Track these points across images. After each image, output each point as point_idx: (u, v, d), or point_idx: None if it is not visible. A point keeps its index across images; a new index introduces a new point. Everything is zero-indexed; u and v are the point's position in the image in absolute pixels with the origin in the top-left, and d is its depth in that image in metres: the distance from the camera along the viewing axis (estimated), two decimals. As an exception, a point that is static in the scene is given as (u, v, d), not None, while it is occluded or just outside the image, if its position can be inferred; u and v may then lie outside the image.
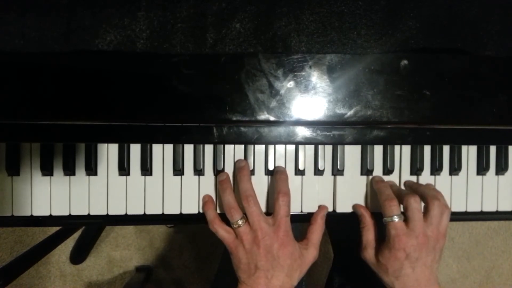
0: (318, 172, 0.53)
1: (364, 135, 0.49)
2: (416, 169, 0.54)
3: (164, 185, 0.52)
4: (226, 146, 0.52)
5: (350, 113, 0.44)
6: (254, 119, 0.43)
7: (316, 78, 0.43)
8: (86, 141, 0.49)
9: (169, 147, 0.52)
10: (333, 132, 0.49)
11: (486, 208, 0.56)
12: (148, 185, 0.52)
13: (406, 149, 0.55)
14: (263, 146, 0.53)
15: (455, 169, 0.55)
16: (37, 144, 0.50)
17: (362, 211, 0.52)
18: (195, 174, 0.52)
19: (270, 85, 0.43)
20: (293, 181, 0.53)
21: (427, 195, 0.49)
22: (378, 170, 0.54)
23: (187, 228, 1.26)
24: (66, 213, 0.51)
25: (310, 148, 0.53)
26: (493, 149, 0.56)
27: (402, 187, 0.55)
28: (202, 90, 0.42)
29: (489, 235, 1.34)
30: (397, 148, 0.54)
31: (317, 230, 0.51)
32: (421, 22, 0.44)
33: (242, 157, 0.53)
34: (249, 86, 0.43)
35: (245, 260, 0.47)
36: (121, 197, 0.52)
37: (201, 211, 0.52)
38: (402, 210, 0.50)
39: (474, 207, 0.56)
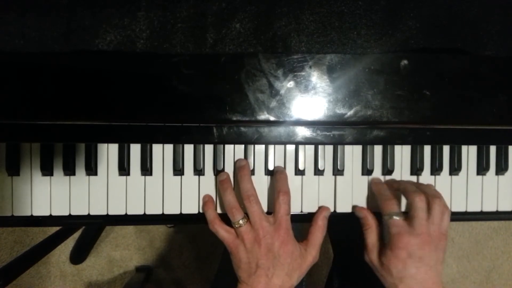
0: (318, 172, 0.53)
1: (364, 135, 0.49)
2: (416, 169, 0.54)
3: (164, 185, 0.52)
4: (226, 146, 0.52)
5: (350, 113, 0.44)
6: (254, 119, 0.43)
7: (316, 78, 0.43)
8: (86, 141, 0.49)
9: (169, 147, 0.52)
10: (333, 132, 0.49)
11: (486, 208, 0.56)
12: (148, 185, 0.52)
13: (406, 149, 0.55)
14: (263, 146, 0.53)
15: (455, 169, 0.55)
16: (37, 144, 0.50)
17: (365, 212, 0.52)
18: (195, 174, 0.52)
19: (270, 85, 0.43)
20: (293, 181, 0.53)
21: (428, 194, 0.49)
22: (378, 170, 0.54)
23: (187, 228, 1.26)
24: (66, 213, 0.51)
25: (310, 148, 0.53)
26: (493, 149, 0.56)
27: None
28: (202, 90, 0.42)
29: (489, 235, 1.34)
30: (397, 148, 0.54)
31: (317, 232, 0.51)
32: (421, 22, 0.44)
33: (242, 157, 0.53)
34: (249, 86, 0.43)
35: (246, 260, 0.47)
36: (121, 197, 0.52)
37: (201, 211, 0.52)
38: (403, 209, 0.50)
39: (474, 207, 0.56)
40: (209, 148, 0.52)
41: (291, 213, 0.53)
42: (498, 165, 0.56)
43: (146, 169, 0.51)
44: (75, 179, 0.51)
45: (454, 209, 0.56)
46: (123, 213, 0.52)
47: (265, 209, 0.53)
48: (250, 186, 0.49)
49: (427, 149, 0.55)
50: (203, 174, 0.52)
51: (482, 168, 0.56)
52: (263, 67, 0.43)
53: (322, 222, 0.51)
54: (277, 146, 0.53)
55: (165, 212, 0.52)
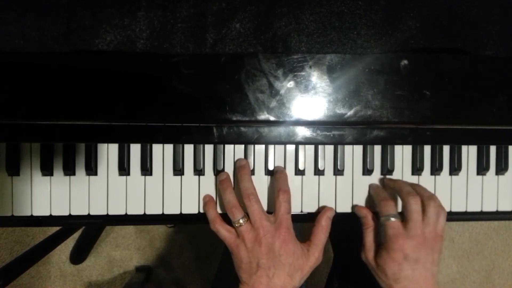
0: (318, 172, 0.53)
1: (364, 135, 0.49)
2: (416, 169, 0.54)
3: (164, 185, 0.52)
4: (226, 146, 0.52)
5: (350, 113, 0.44)
6: (254, 119, 0.43)
7: (316, 78, 0.43)
8: (86, 141, 0.49)
9: (169, 147, 0.52)
10: (333, 132, 0.49)
11: (486, 208, 0.56)
12: (148, 185, 0.52)
13: (406, 149, 0.55)
14: (263, 146, 0.53)
15: (455, 169, 0.55)
16: (37, 144, 0.50)
17: (365, 212, 0.52)
18: (195, 174, 0.52)
19: (270, 85, 0.43)
20: (293, 181, 0.53)
21: (423, 196, 0.49)
22: (378, 170, 0.54)
23: (187, 228, 1.26)
24: (66, 213, 0.51)
25: (310, 148, 0.53)
26: (493, 149, 0.56)
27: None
28: (202, 90, 0.42)
29: (489, 235, 1.34)
30: (397, 148, 0.54)
31: (320, 232, 0.50)
32: (421, 22, 0.44)
33: (242, 157, 0.53)
34: (249, 86, 0.43)
35: (247, 259, 0.47)
36: (121, 197, 0.52)
37: (201, 211, 0.52)
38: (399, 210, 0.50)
39: (474, 207, 0.56)
40: (209, 148, 0.52)
41: (292, 213, 0.53)
42: (498, 165, 0.56)
43: (146, 169, 0.51)
44: (75, 179, 0.51)
45: (454, 209, 0.56)
46: (123, 213, 0.52)
47: (265, 209, 0.53)
48: (250, 185, 0.49)
49: (427, 149, 0.55)
50: (203, 174, 0.52)
51: (482, 168, 0.56)
52: (263, 67, 0.43)
53: (326, 223, 0.50)
54: (277, 146, 0.53)
55: (165, 212, 0.52)
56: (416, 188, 0.50)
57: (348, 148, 0.54)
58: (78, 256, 1.21)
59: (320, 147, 0.53)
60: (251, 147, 0.52)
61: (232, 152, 0.53)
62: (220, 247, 1.21)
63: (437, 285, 0.47)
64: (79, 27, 0.41)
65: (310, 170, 0.53)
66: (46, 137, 0.47)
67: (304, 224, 0.54)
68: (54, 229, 1.00)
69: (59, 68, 0.42)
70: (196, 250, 1.26)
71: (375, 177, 0.55)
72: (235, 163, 0.52)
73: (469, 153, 0.56)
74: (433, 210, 0.47)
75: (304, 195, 0.54)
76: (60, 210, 0.51)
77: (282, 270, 0.46)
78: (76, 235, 1.19)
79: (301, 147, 0.53)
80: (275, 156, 0.53)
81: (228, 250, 0.50)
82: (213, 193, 0.53)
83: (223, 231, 0.48)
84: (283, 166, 0.53)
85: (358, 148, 0.54)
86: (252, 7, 0.42)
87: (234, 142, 0.50)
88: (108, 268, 1.24)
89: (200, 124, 0.47)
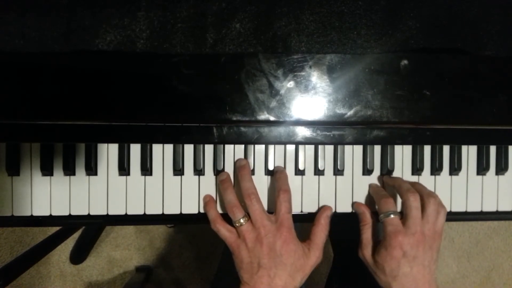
0: (318, 172, 0.53)
1: (364, 135, 0.49)
2: (416, 169, 0.54)
3: (164, 185, 0.52)
4: (226, 146, 0.52)
5: (350, 113, 0.44)
6: (254, 119, 0.43)
7: (316, 78, 0.43)
8: (86, 141, 0.49)
9: (169, 147, 0.52)
10: (333, 132, 0.49)
11: (486, 208, 0.56)
12: (148, 185, 0.52)
13: (406, 149, 0.55)
14: (263, 146, 0.53)
15: (455, 169, 0.55)
16: (37, 144, 0.50)
17: (363, 209, 0.52)
18: (195, 174, 0.52)
19: (270, 85, 0.43)
20: (293, 181, 0.53)
21: (422, 193, 0.49)
22: (378, 170, 0.54)
23: (187, 228, 1.26)
24: (66, 213, 0.51)
25: (310, 148, 0.53)
26: (493, 149, 0.56)
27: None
28: (202, 90, 0.42)
29: (489, 235, 1.34)
30: (397, 148, 0.54)
31: (319, 231, 0.50)
32: (421, 22, 0.44)
33: (242, 157, 0.53)
34: (249, 86, 0.43)
35: (248, 259, 0.47)
36: (121, 197, 0.52)
37: (201, 211, 0.52)
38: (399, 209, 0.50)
39: (474, 207, 0.56)
40: (209, 148, 0.52)
41: (292, 213, 0.53)
42: (498, 165, 0.56)
43: (146, 169, 0.51)
44: (75, 179, 0.51)
45: (454, 209, 0.56)
46: (123, 213, 0.52)
47: (266, 209, 0.53)
48: (251, 185, 0.49)
49: (427, 149, 0.55)
50: (203, 174, 0.52)
51: (482, 168, 0.56)
52: (263, 67, 0.43)
53: (325, 222, 0.51)
54: (277, 146, 0.53)
55: (165, 212, 0.52)
56: (416, 186, 0.50)
57: (348, 148, 0.54)
58: (78, 256, 1.21)
59: (320, 147, 0.53)
60: (251, 147, 0.52)
61: (232, 152, 0.53)
62: (220, 247, 1.21)
63: (435, 283, 0.47)
64: (79, 27, 0.41)
65: (310, 170, 0.53)
66: (46, 137, 0.47)
67: (304, 224, 0.54)
68: (54, 229, 1.00)
69: (59, 68, 0.42)
70: (196, 250, 1.26)
71: (375, 177, 0.55)
72: (235, 163, 0.52)
73: (469, 153, 0.56)
74: (432, 208, 0.47)
75: (304, 195, 0.54)
76: (60, 210, 0.51)
77: (284, 270, 0.46)
78: (76, 235, 1.19)
79: (301, 147, 0.53)
80: (275, 156, 0.53)
81: (228, 250, 0.50)
82: (213, 193, 0.53)
83: (224, 231, 0.48)
84: (283, 166, 0.53)
85: (358, 148, 0.54)
86: (252, 7, 0.42)
87: (234, 142, 0.50)
88: (108, 268, 1.24)
89: (200, 124, 0.47)
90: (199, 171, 0.52)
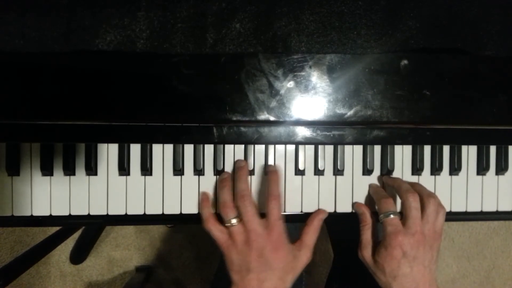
0: (318, 172, 0.53)
1: (364, 135, 0.49)
2: (416, 169, 0.54)
3: (164, 185, 0.52)
4: (226, 146, 0.52)
5: (350, 113, 0.44)
6: (254, 119, 0.43)
7: (316, 78, 0.43)
8: (86, 141, 0.49)
9: (169, 147, 0.52)
10: (333, 132, 0.49)
11: (486, 208, 0.56)
12: (148, 185, 0.52)
13: (406, 149, 0.55)
14: (263, 146, 0.53)
15: (455, 169, 0.55)
16: (37, 144, 0.50)
17: (363, 209, 0.52)
18: (195, 174, 0.52)
19: (270, 85, 0.43)
20: (293, 181, 0.53)
21: (422, 193, 0.49)
22: (378, 170, 0.54)
23: (187, 228, 1.26)
24: (66, 213, 0.51)
25: (310, 148, 0.53)
26: (493, 149, 0.56)
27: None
28: (202, 90, 0.42)
29: (489, 235, 1.34)
30: (397, 148, 0.54)
31: (311, 232, 0.51)
32: (421, 22, 0.44)
33: (242, 157, 0.53)
34: (249, 86, 0.43)
35: (237, 261, 0.47)
36: (121, 197, 0.52)
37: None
38: (398, 209, 0.50)
39: (474, 207, 0.56)
40: (209, 148, 0.52)
41: (292, 213, 0.53)
42: (498, 165, 0.56)
43: (146, 169, 0.51)
44: (75, 179, 0.51)
45: (454, 209, 0.56)
46: (123, 213, 0.52)
47: (264, 210, 0.53)
48: (245, 187, 0.49)
49: (427, 149, 0.55)
50: (203, 174, 0.52)
51: (482, 168, 0.56)
52: (263, 67, 0.43)
53: (318, 224, 0.51)
54: (277, 146, 0.53)
55: (165, 212, 0.52)
56: (416, 187, 0.50)
57: (348, 148, 0.54)
58: (78, 256, 1.21)
59: (320, 147, 0.53)
60: (251, 147, 0.52)
61: (232, 152, 0.53)
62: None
63: (435, 283, 0.47)
64: (79, 27, 0.41)
65: (310, 170, 0.53)
66: (46, 137, 0.47)
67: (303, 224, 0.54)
68: (54, 229, 1.00)
69: (59, 68, 0.42)
70: (196, 250, 1.26)
71: (375, 177, 0.55)
72: (234, 163, 0.52)
73: (469, 153, 0.56)
74: (432, 208, 0.47)
75: (304, 195, 0.54)
76: (60, 210, 0.51)
77: (273, 274, 0.46)
78: (76, 235, 1.19)
79: (301, 147, 0.53)
80: (275, 156, 0.53)
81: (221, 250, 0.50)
82: (213, 193, 0.53)
83: (216, 230, 0.48)
84: (283, 166, 0.53)
85: (358, 148, 0.54)
86: (252, 7, 0.42)
87: (234, 142, 0.50)
88: (108, 268, 1.24)
89: (200, 124, 0.47)
90: (199, 171, 0.52)
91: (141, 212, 0.52)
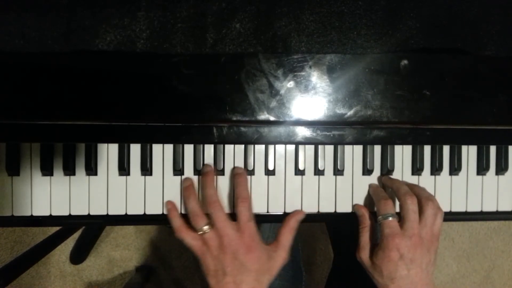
0: (318, 172, 0.53)
1: (364, 135, 0.49)
2: (416, 169, 0.54)
3: (164, 185, 0.52)
4: (226, 146, 0.52)
5: (350, 113, 0.44)
6: (254, 119, 0.43)
7: (316, 78, 0.43)
8: (86, 141, 0.49)
9: (169, 147, 0.52)
10: (333, 132, 0.49)
11: (486, 208, 0.56)
12: (148, 185, 0.52)
13: (406, 149, 0.55)
14: (263, 146, 0.53)
15: (455, 169, 0.55)
16: (37, 144, 0.50)
17: (363, 211, 0.52)
18: (195, 174, 0.52)
19: (270, 85, 0.43)
20: (293, 181, 0.53)
21: (421, 196, 0.49)
22: (378, 170, 0.54)
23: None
24: (66, 213, 0.51)
25: (310, 148, 0.53)
26: (493, 149, 0.56)
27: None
28: (202, 90, 0.42)
29: (489, 235, 1.34)
30: (397, 148, 0.54)
31: (287, 233, 0.51)
32: (421, 22, 0.44)
33: (242, 157, 0.53)
34: (249, 86, 0.43)
35: (213, 267, 0.47)
36: (121, 197, 0.52)
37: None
38: (397, 210, 0.50)
39: (474, 207, 0.56)
40: (209, 148, 0.52)
41: (291, 212, 0.53)
42: (498, 165, 0.56)
43: (146, 169, 0.51)
44: (75, 179, 0.51)
45: (454, 209, 0.56)
46: (123, 213, 0.52)
47: (265, 210, 0.53)
48: (213, 192, 0.49)
49: (427, 149, 0.55)
50: (203, 174, 0.52)
51: (482, 168, 0.56)
52: (263, 67, 0.43)
53: (294, 225, 0.51)
54: (277, 146, 0.53)
55: (165, 212, 0.52)
56: (415, 189, 0.50)
57: (348, 148, 0.54)
58: (78, 256, 1.21)
59: (320, 147, 0.53)
60: (251, 147, 0.52)
61: (232, 152, 0.53)
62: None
63: (433, 285, 0.47)
64: (79, 27, 0.41)
65: (310, 170, 0.53)
66: (46, 137, 0.47)
67: (302, 224, 0.54)
68: (54, 229, 1.00)
69: (59, 68, 0.42)
70: (196, 250, 1.25)
71: (375, 177, 0.55)
72: (202, 168, 0.52)
73: (469, 153, 0.56)
74: (430, 211, 0.47)
75: (304, 195, 0.54)
76: (60, 210, 0.51)
77: (249, 276, 0.46)
78: (76, 235, 1.19)
79: (301, 147, 0.53)
80: (275, 156, 0.53)
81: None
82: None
83: (189, 239, 0.48)
84: (283, 166, 0.53)
85: (358, 148, 0.54)
86: (252, 7, 0.42)
87: (234, 142, 0.50)
88: (108, 268, 1.24)
89: (200, 124, 0.47)
90: (199, 171, 0.52)
91: (141, 212, 0.52)
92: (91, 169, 0.51)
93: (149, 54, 0.42)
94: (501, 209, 0.57)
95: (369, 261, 0.50)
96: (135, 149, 0.52)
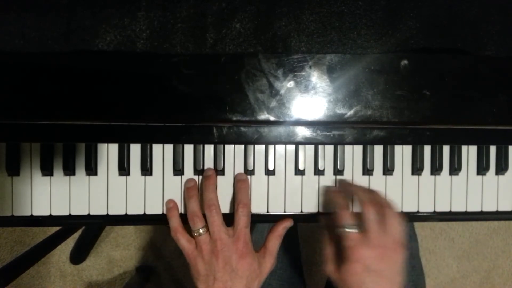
0: (318, 172, 0.53)
1: (364, 135, 0.49)
2: (416, 169, 0.54)
3: (164, 185, 0.52)
4: (226, 146, 0.52)
5: (350, 113, 0.44)
6: (254, 119, 0.43)
7: (316, 78, 0.43)
8: (86, 141, 0.49)
9: (169, 147, 0.52)
10: (333, 132, 0.49)
11: (486, 208, 0.56)
12: (148, 185, 0.52)
13: (407, 149, 0.55)
14: (263, 146, 0.53)
15: (455, 169, 0.55)
16: (37, 144, 0.50)
17: (323, 221, 0.52)
18: (195, 174, 0.52)
19: (270, 85, 0.43)
20: (293, 181, 0.53)
21: (380, 204, 0.47)
22: (378, 170, 0.54)
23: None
24: (66, 213, 0.51)
25: (310, 148, 0.53)
26: (493, 149, 0.56)
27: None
28: (202, 90, 0.42)
29: (489, 235, 1.34)
30: (397, 148, 0.54)
31: (275, 239, 0.51)
32: (421, 22, 0.44)
33: (242, 157, 0.53)
34: (249, 86, 0.43)
35: (204, 272, 0.47)
36: (121, 197, 0.52)
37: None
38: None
39: (474, 207, 0.56)
40: (209, 148, 0.52)
41: (292, 213, 0.53)
42: (498, 165, 0.56)
43: (146, 169, 0.51)
44: (75, 179, 0.51)
45: (454, 209, 0.56)
46: (123, 213, 0.52)
47: (265, 210, 0.53)
48: (213, 196, 0.49)
49: (427, 149, 0.55)
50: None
51: (482, 168, 0.56)
52: (263, 67, 0.43)
53: (282, 232, 0.52)
54: (277, 146, 0.53)
55: (165, 211, 0.52)
56: (373, 195, 0.48)
57: (348, 148, 0.54)
58: (78, 256, 1.21)
59: (320, 147, 0.53)
60: (251, 147, 0.52)
61: (232, 152, 0.53)
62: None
63: None
64: (79, 27, 0.41)
65: (310, 170, 0.53)
66: (46, 137, 0.47)
67: (302, 224, 0.54)
68: (54, 229, 1.00)
69: (59, 68, 0.42)
70: (196, 250, 1.25)
71: (375, 177, 0.55)
72: (204, 171, 0.52)
73: (469, 153, 0.56)
74: (392, 220, 0.45)
75: (304, 195, 0.54)
76: (60, 210, 0.51)
77: (240, 282, 0.46)
78: (76, 235, 1.19)
79: (301, 147, 0.53)
80: (275, 156, 0.53)
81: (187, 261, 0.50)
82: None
83: (183, 240, 0.48)
84: (283, 166, 0.53)
85: (358, 148, 0.54)
86: (252, 7, 0.42)
87: (234, 142, 0.50)
88: (108, 268, 1.24)
89: (200, 124, 0.47)
90: (199, 171, 0.52)
91: (141, 212, 0.52)
92: (91, 169, 0.51)
93: (149, 54, 0.42)
94: (501, 209, 0.57)
95: (335, 274, 0.47)
96: (135, 149, 0.52)
